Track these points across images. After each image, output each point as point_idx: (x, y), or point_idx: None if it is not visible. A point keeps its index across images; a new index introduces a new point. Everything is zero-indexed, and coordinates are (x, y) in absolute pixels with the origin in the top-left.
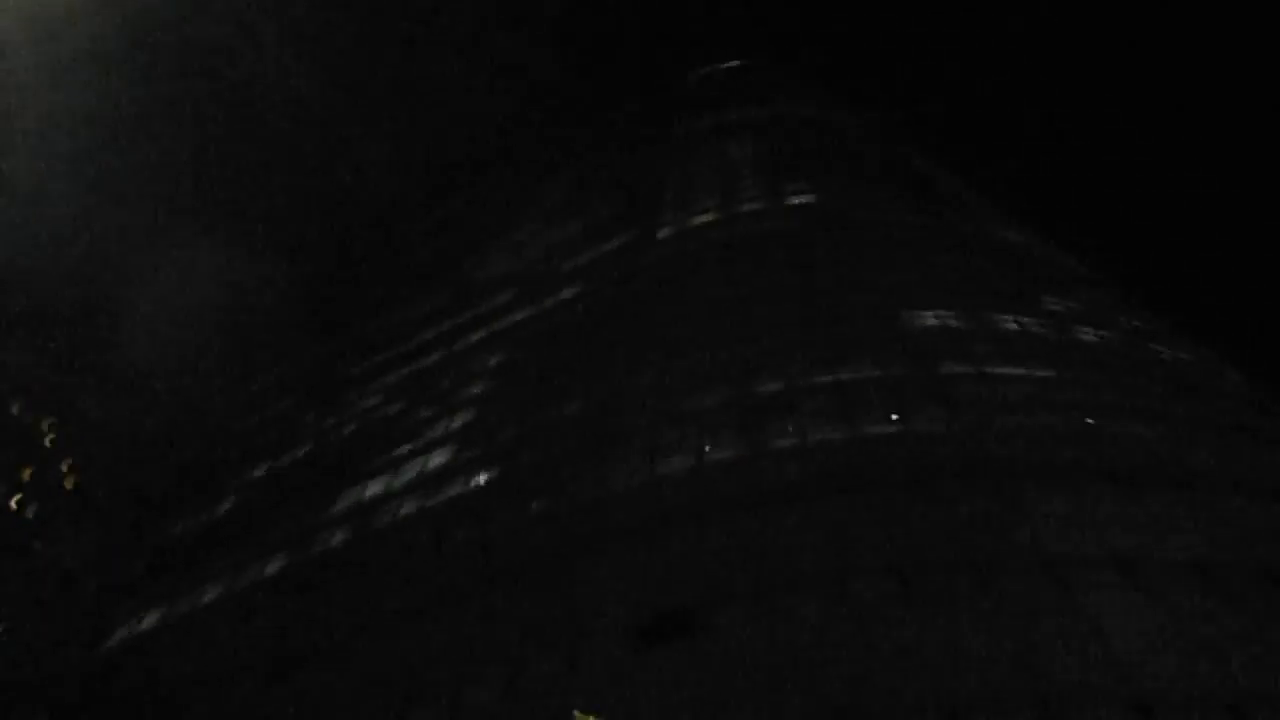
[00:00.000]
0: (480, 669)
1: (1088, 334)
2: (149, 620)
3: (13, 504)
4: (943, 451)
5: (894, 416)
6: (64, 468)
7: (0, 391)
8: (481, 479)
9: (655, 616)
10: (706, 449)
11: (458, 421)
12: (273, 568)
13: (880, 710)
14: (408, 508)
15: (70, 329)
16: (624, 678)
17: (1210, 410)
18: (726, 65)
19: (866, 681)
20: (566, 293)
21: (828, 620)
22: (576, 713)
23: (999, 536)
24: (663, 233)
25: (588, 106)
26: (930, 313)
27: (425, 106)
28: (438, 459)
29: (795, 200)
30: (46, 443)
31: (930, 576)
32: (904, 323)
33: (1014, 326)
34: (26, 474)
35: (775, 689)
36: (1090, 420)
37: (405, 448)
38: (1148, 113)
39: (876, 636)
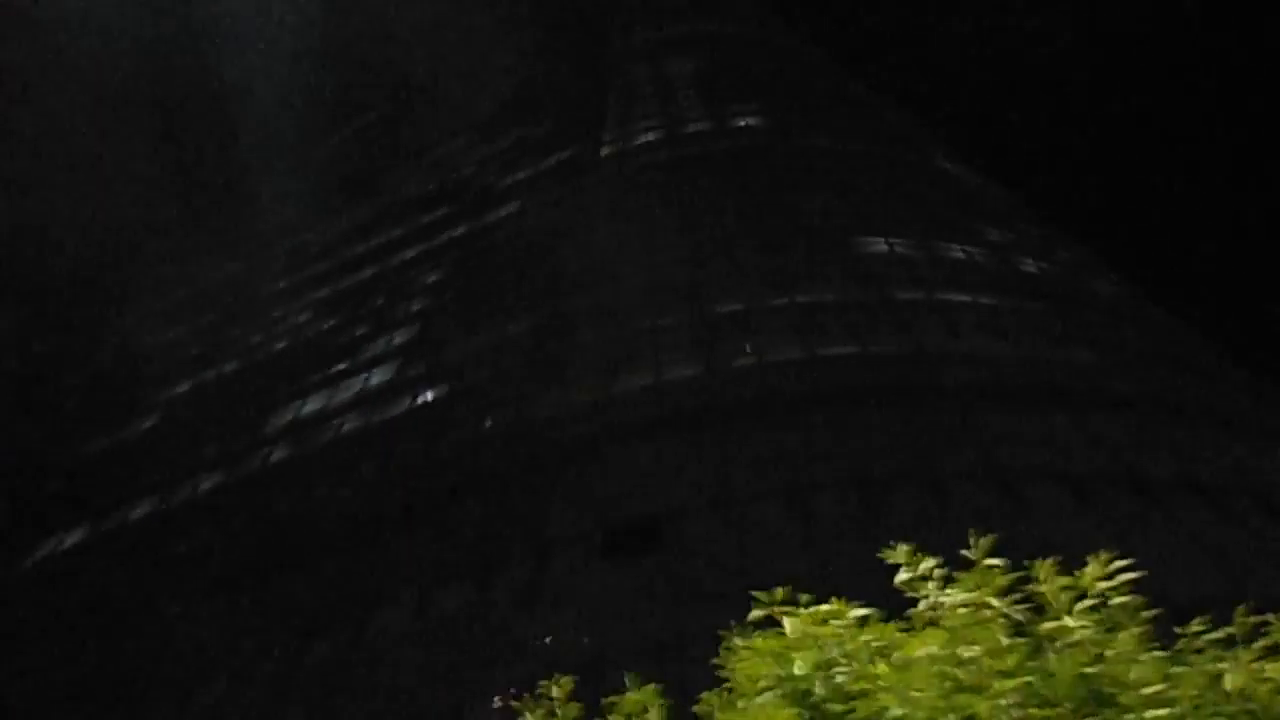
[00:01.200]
0: (445, 579)
1: (1029, 265)
2: (74, 537)
3: None
4: (898, 372)
5: (850, 338)
6: None
7: None
8: (428, 396)
9: (620, 528)
10: (664, 367)
11: (398, 339)
12: (208, 484)
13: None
14: (350, 424)
15: None
16: (591, 583)
17: (1141, 340)
18: None
19: (826, 583)
20: (505, 210)
21: (788, 529)
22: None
23: (952, 452)
24: (605, 150)
25: (513, 18)
26: (881, 239)
27: (341, 15)
28: (379, 376)
29: (741, 122)
30: None
31: (886, 488)
32: (857, 248)
33: (961, 255)
34: None
35: (738, 589)
36: (1033, 345)
37: (341, 365)
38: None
39: (834, 543)
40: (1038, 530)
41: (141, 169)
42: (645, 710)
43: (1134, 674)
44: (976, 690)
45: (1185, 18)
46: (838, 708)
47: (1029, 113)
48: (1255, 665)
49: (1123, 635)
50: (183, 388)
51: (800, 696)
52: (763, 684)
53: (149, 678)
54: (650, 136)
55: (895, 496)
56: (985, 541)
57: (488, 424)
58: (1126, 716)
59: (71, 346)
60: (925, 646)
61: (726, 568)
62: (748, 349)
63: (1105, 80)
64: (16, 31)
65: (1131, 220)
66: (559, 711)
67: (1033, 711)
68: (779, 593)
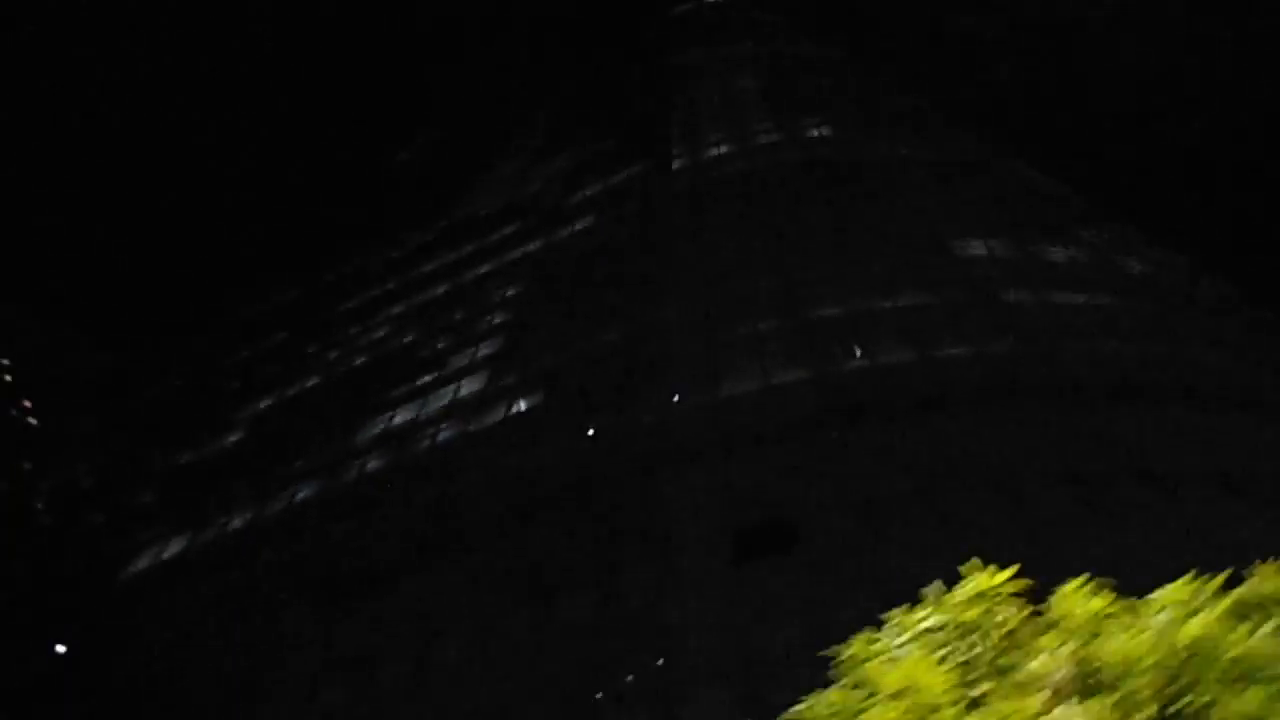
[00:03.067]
0: (570, 581)
1: (1131, 265)
2: (174, 548)
3: None
4: (1019, 372)
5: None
6: (25, 404)
7: None
8: (522, 405)
9: (748, 530)
10: (770, 371)
11: (484, 351)
12: (304, 494)
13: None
14: (446, 433)
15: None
16: (722, 588)
17: (1256, 338)
18: (711, 1)
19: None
20: (580, 224)
21: (922, 531)
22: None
23: (1096, 451)
24: (677, 164)
25: (561, 39)
26: (979, 241)
27: (394, 36)
28: (469, 387)
29: (813, 133)
30: (5, 378)
31: (1026, 486)
32: (954, 251)
33: (1061, 257)
34: None
35: (874, 595)
36: (1155, 344)
37: (427, 377)
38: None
39: (975, 546)
40: (1192, 526)
41: (207, 193)
42: None
43: None
44: None
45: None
46: None
47: (1090, 115)
48: None
49: None
50: (265, 403)
51: None
52: None
53: (248, 688)
54: (721, 150)
55: (1041, 495)
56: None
57: (590, 431)
58: None
59: (147, 363)
60: None
61: (864, 569)
62: (857, 352)
63: (1174, 78)
64: None
65: (1212, 220)
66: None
67: None
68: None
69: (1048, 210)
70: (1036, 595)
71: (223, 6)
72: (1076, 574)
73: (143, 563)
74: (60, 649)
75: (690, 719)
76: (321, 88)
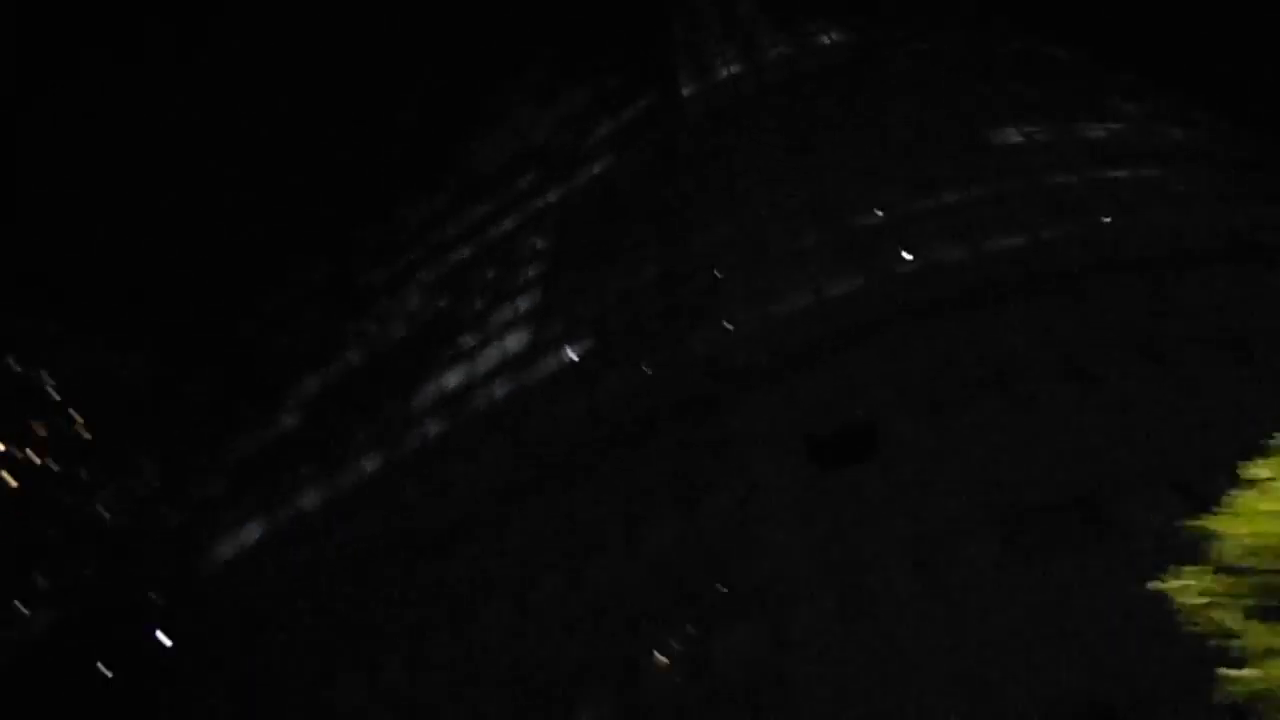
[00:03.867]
0: (653, 511)
1: (1172, 132)
2: (252, 531)
3: (30, 456)
4: (1073, 254)
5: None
6: (75, 418)
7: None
8: (572, 353)
9: (826, 440)
10: (822, 284)
11: (523, 305)
12: (371, 466)
13: (1055, 500)
14: (501, 390)
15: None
16: (808, 499)
17: None
18: None
19: (1041, 478)
20: (597, 167)
21: (1000, 422)
22: None
23: (1176, 321)
24: (688, 91)
25: None
26: (1014, 129)
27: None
28: (515, 342)
29: (823, 39)
30: (52, 395)
31: (1103, 367)
32: (992, 140)
33: (1100, 133)
34: (42, 429)
35: (956, 491)
36: (1214, 208)
37: (470, 339)
38: None
39: (1049, 433)
40: (1273, 388)
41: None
42: None
43: None
44: None
45: None
46: None
47: None
48: None
49: None
50: (313, 384)
51: None
52: None
53: (351, 651)
54: (732, 69)
55: (1115, 373)
56: None
57: (647, 368)
58: None
59: (183, 361)
60: None
61: (947, 466)
62: (905, 255)
63: None
64: None
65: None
66: None
67: None
68: None
69: (1078, 87)
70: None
71: None
72: (1155, 453)
73: (225, 551)
74: (164, 639)
75: (796, 627)
76: (317, 63)
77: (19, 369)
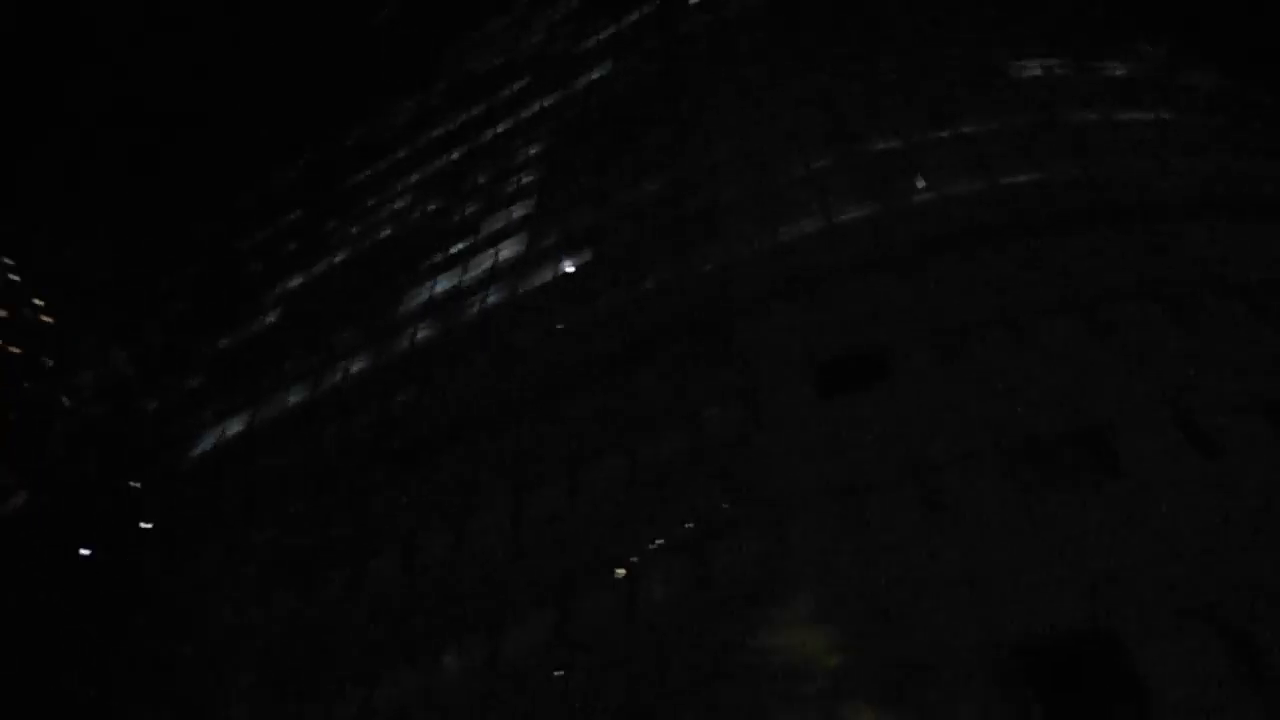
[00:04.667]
0: (650, 428)
1: (1194, 77)
2: (236, 425)
3: None
4: (1091, 194)
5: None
6: (36, 303)
7: None
8: (567, 266)
9: (833, 363)
10: (833, 209)
11: (517, 213)
12: (358, 366)
13: (1064, 437)
14: (494, 298)
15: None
16: (812, 421)
17: None
18: None
19: (1048, 412)
20: (597, 73)
21: (1006, 359)
22: None
23: (1177, 268)
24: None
25: None
26: (1035, 62)
27: None
28: (509, 250)
29: None
30: (13, 279)
31: (1109, 308)
32: (1010, 73)
33: (1122, 72)
34: (3, 313)
35: (965, 425)
36: (1225, 158)
37: (460, 244)
38: None
39: (1057, 370)
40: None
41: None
42: None
43: None
44: None
45: None
46: None
47: None
48: None
49: None
50: (294, 282)
51: None
52: None
53: (336, 552)
54: None
55: (1127, 316)
56: None
57: (647, 284)
58: None
59: (164, 254)
60: None
61: (951, 397)
62: (919, 183)
63: None
64: None
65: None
66: None
67: None
68: None
69: (1102, 27)
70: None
71: None
72: (1161, 392)
73: (207, 442)
74: (145, 525)
75: (798, 540)
76: None
77: None
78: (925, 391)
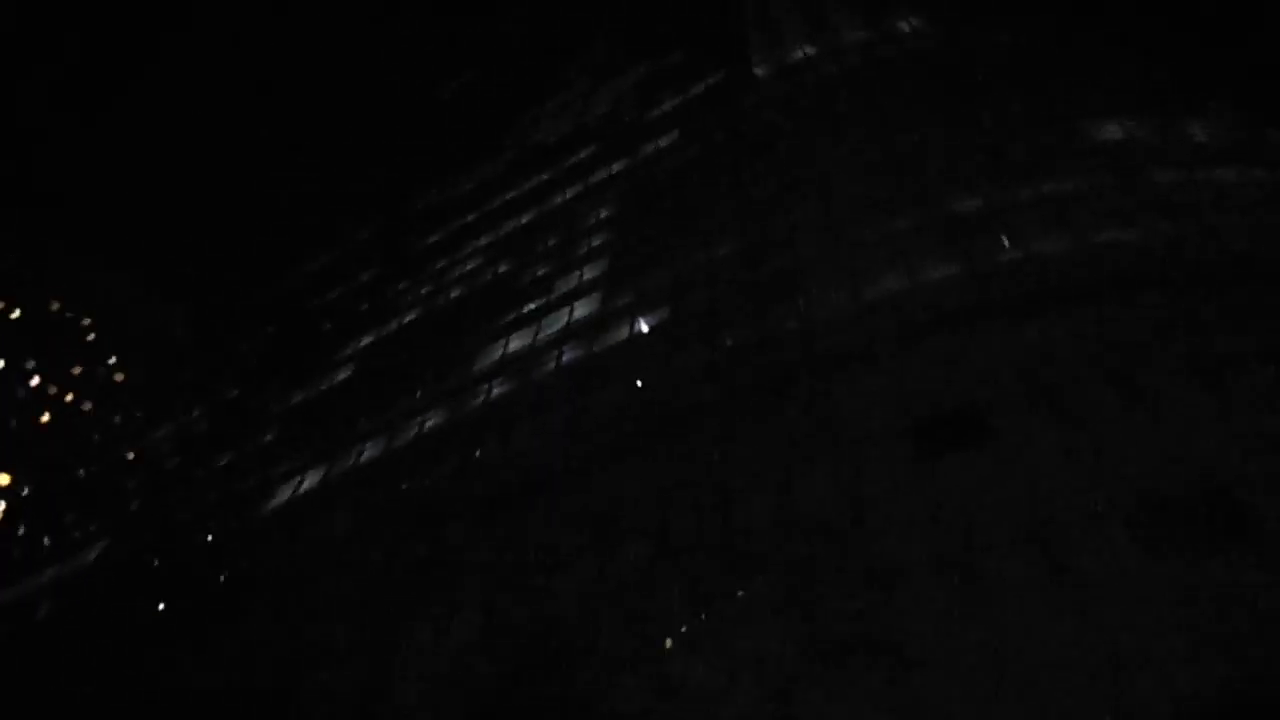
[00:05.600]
0: (739, 491)
1: (1274, 136)
2: (311, 481)
3: (67, 398)
4: (1185, 252)
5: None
6: (111, 363)
7: (41, 292)
8: (643, 325)
9: (931, 423)
10: (915, 269)
11: (589, 274)
12: (434, 422)
13: (1175, 496)
14: (570, 355)
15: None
16: (914, 483)
17: None
18: None
19: (1170, 471)
20: (665, 140)
21: (1112, 414)
22: None
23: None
24: (761, 71)
25: None
26: (1115, 124)
27: None
28: (583, 309)
29: (903, 27)
30: (88, 339)
31: (1231, 371)
32: (1090, 134)
33: (1202, 133)
34: (77, 371)
35: (1083, 484)
36: None
37: (533, 304)
38: None
39: (1174, 427)
40: None
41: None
42: None
43: None
44: None
45: None
46: None
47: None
48: None
49: None
50: (366, 340)
51: None
52: None
53: (418, 606)
54: (807, 52)
55: (1244, 379)
56: None
57: (728, 342)
58: None
59: (239, 315)
60: None
61: (1058, 458)
62: (1005, 242)
63: None
64: None
65: None
66: None
67: None
68: None
69: (1176, 86)
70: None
71: None
72: None
73: (282, 496)
74: (219, 577)
75: (910, 611)
76: (379, 26)
77: (67, 314)
78: (1033, 451)
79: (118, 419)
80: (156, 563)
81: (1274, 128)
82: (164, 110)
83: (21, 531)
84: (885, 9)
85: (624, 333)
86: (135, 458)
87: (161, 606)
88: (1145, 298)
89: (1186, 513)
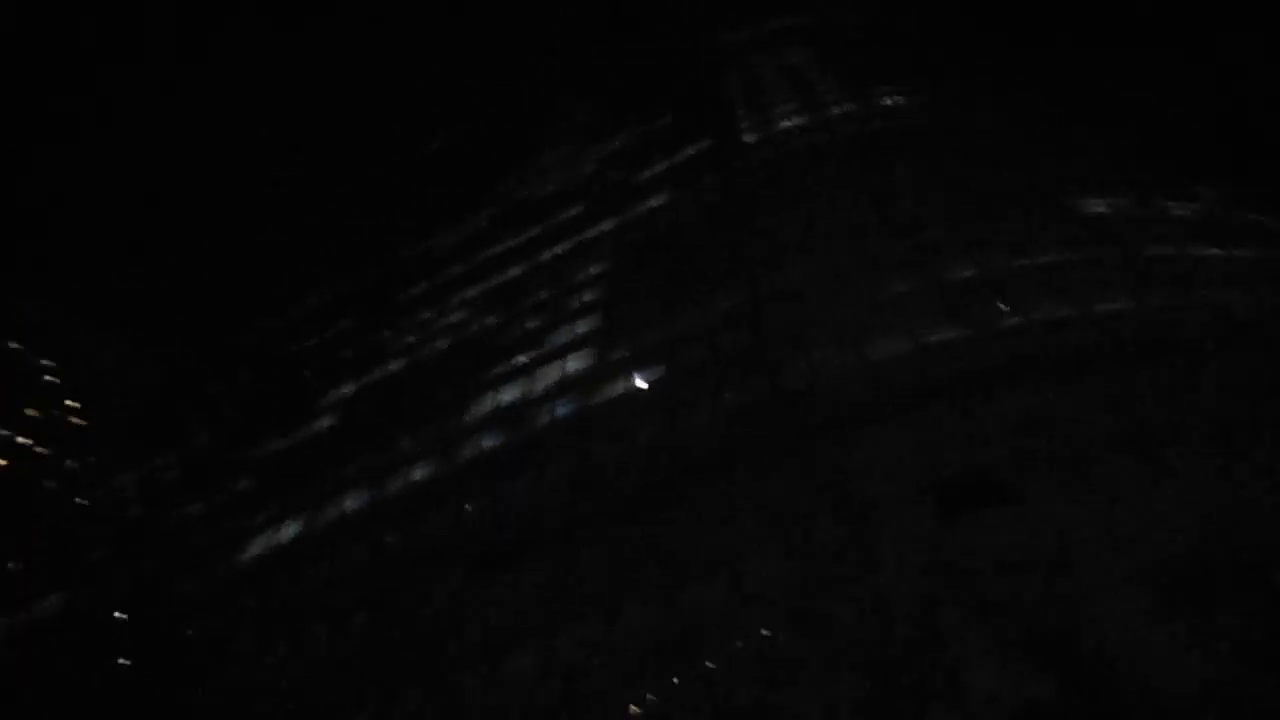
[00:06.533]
0: (749, 544)
1: (1261, 218)
2: (290, 530)
3: (18, 439)
4: (1184, 322)
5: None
6: (71, 404)
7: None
8: (639, 381)
9: (948, 485)
10: (918, 331)
11: (582, 328)
12: (420, 474)
13: (1194, 568)
14: (564, 410)
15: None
16: (929, 541)
17: None
18: None
19: (1180, 541)
20: (655, 201)
21: (1132, 484)
22: None
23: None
24: (749, 138)
25: (593, 24)
26: (1101, 200)
27: (423, 33)
28: (576, 364)
29: (886, 102)
30: (46, 380)
31: (1238, 432)
32: (1079, 209)
33: (1186, 212)
34: (36, 413)
35: (1111, 549)
36: None
37: (524, 357)
38: None
39: (1189, 496)
40: None
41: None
42: None
43: None
44: None
45: None
46: None
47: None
48: None
49: None
50: (348, 389)
51: None
52: None
53: (390, 664)
54: (795, 121)
55: (1249, 441)
56: None
57: (729, 400)
58: None
59: (211, 360)
60: None
61: (1073, 521)
62: (1004, 307)
63: None
64: None
65: None
66: None
67: None
68: None
69: (1158, 165)
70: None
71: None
72: None
73: (257, 548)
74: (188, 633)
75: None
76: (360, 78)
77: (29, 358)
78: (1049, 514)
79: (76, 465)
80: (123, 616)
81: (1248, 208)
82: (138, 144)
83: None
84: (868, 85)
85: (620, 388)
86: (97, 506)
87: (127, 662)
88: (1148, 363)
89: (1215, 579)
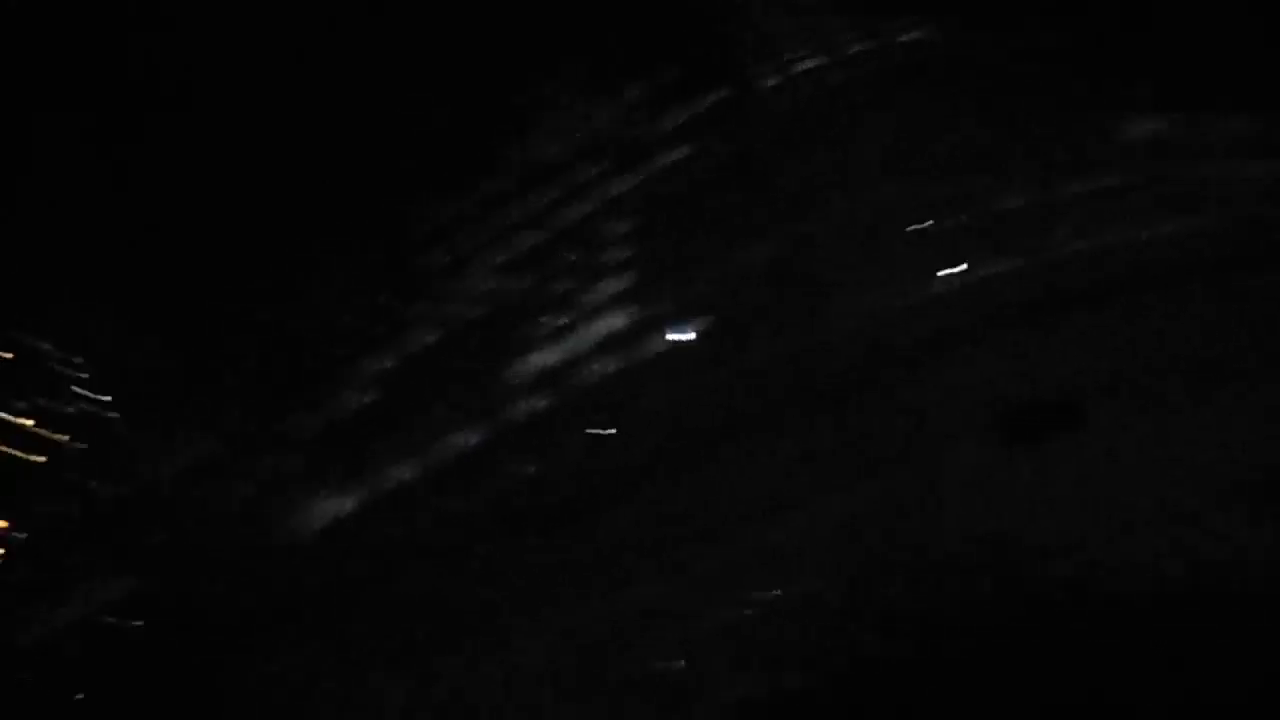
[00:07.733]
0: (811, 490)
1: None
2: (350, 502)
3: (55, 436)
4: (1239, 242)
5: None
6: (103, 398)
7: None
8: (684, 335)
9: (1017, 414)
10: (975, 262)
11: (616, 286)
12: (472, 440)
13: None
14: (610, 367)
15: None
16: (998, 474)
17: None
18: None
19: (1250, 460)
20: (674, 155)
21: (1193, 411)
22: None
23: None
24: (766, 83)
25: None
26: (1139, 121)
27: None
28: (617, 321)
29: (903, 38)
30: (68, 373)
31: None
32: (1118, 134)
33: (1236, 129)
34: (69, 410)
35: (1164, 478)
36: None
37: (562, 318)
38: None
39: (1253, 415)
40: None
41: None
42: None
43: None
44: None
45: None
46: None
47: None
48: None
49: None
50: (388, 363)
51: None
52: None
53: (453, 633)
54: (811, 63)
55: None
56: None
57: (779, 345)
58: None
59: (234, 336)
60: None
61: (1137, 455)
62: (1059, 235)
63: None
64: None
65: None
66: None
67: None
68: None
69: (1204, 82)
70: None
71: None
72: None
73: (317, 522)
74: (255, 610)
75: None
76: (364, 43)
77: (45, 348)
78: (1128, 441)
79: (119, 454)
80: (193, 595)
81: None
82: (161, 132)
83: (21, 575)
84: (879, 18)
85: (661, 344)
86: (146, 492)
87: (204, 638)
88: (1208, 285)
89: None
